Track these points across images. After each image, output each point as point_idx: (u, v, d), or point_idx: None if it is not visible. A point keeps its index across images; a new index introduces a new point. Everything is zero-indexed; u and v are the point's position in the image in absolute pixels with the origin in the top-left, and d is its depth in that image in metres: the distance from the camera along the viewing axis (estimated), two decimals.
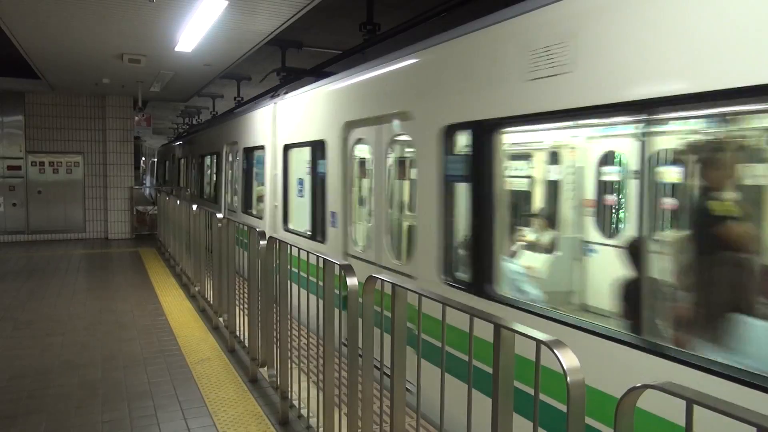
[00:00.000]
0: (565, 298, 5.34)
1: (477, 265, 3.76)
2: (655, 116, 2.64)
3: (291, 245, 3.94)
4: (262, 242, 4.40)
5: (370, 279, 2.82)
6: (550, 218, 5.75)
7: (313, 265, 3.46)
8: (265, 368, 4.59)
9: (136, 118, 13.98)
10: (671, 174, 3.53)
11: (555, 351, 1.69)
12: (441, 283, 4.09)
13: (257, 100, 10.53)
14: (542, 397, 2.23)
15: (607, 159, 5.61)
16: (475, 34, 3.89)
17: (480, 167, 3.72)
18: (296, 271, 3.97)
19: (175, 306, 7.32)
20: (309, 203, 6.67)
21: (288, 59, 10.05)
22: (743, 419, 1.22)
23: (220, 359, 5.30)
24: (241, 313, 5.42)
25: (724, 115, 2.68)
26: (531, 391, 1.91)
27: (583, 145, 5.59)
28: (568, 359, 1.67)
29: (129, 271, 9.87)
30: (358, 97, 5.67)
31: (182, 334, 6.09)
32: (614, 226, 5.61)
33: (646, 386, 1.44)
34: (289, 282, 4.03)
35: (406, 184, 5.14)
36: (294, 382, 4.01)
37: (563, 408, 2.81)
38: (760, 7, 2.17)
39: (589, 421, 2.59)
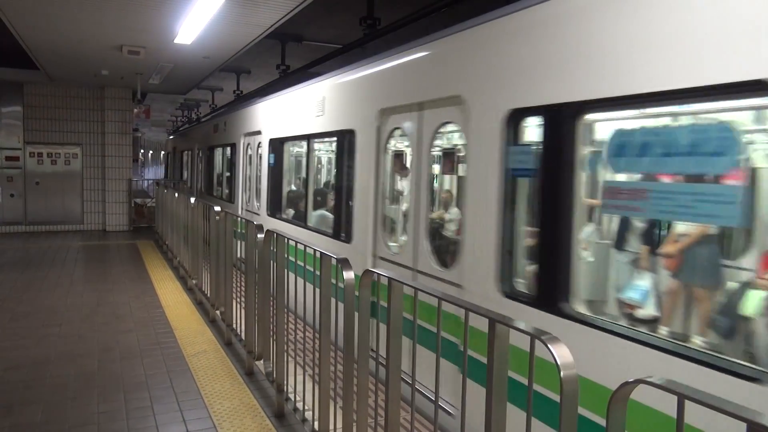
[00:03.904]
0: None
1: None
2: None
3: (288, 238, 3.95)
4: (259, 235, 4.40)
5: (367, 273, 2.83)
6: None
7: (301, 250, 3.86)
8: (262, 361, 4.60)
9: (135, 110, 13.94)
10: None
11: (549, 345, 1.70)
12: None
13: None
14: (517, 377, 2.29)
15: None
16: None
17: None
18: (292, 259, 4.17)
19: (173, 298, 7.33)
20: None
21: (288, 53, 10.03)
22: (734, 415, 1.23)
23: (217, 352, 5.31)
24: (238, 306, 5.43)
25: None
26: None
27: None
28: (561, 354, 1.67)
29: (126, 263, 9.87)
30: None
31: (179, 326, 6.10)
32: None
33: (639, 381, 1.44)
34: (286, 273, 4.04)
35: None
36: (290, 375, 4.03)
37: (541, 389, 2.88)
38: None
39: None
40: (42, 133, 13.70)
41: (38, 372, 4.77)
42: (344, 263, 2.99)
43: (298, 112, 7.28)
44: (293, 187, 8.52)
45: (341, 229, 5.96)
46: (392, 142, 5.25)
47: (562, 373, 1.64)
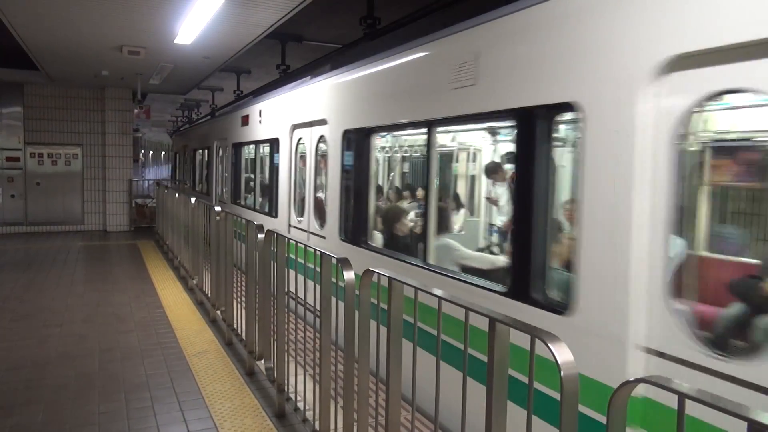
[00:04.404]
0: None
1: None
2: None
3: (288, 239, 3.95)
4: (260, 235, 4.40)
5: (367, 272, 2.82)
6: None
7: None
8: (262, 361, 4.60)
9: (136, 110, 13.94)
10: None
11: (549, 345, 1.70)
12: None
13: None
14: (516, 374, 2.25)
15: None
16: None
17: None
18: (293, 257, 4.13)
19: (173, 299, 7.33)
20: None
21: (288, 53, 10.03)
22: (736, 414, 1.22)
23: (218, 352, 5.31)
24: (239, 306, 5.43)
25: None
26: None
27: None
28: (561, 353, 1.67)
29: (127, 263, 9.88)
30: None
31: (180, 326, 6.10)
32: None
33: (639, 380, 1.44)
34: (286, 271, 4.04)
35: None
36: (291, 375, 4.03)
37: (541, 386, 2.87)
38: None
39: None
40: (42, 133, 13.71)
41: (39, 372, 4.77)
42: (344, 263, 2.98)
43: (407, 86, 4.85)
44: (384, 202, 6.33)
45: (531, 285, 3.28)
46: (698, 120, 2.63)
47: (562, 373, 1.64)
